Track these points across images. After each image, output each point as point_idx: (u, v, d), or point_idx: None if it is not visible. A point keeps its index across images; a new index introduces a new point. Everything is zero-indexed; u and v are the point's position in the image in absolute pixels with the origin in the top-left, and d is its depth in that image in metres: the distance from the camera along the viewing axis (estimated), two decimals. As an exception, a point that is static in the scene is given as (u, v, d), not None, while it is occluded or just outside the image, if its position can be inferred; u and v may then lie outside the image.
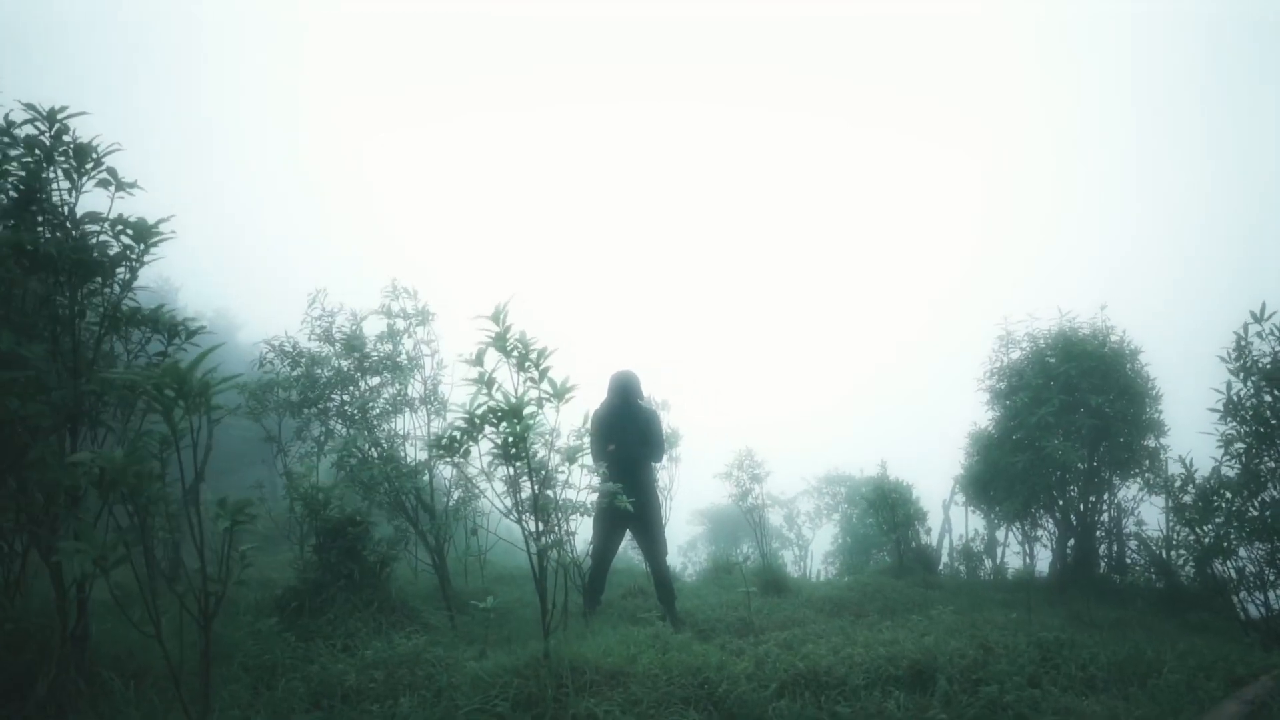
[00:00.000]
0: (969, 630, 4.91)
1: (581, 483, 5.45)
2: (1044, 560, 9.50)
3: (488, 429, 3.19)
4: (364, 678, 3.42)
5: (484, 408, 3.13)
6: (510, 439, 3.09)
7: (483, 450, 3.30)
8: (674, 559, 14.00)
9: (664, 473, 9.55)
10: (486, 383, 3.21)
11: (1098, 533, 8.46)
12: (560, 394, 3.24)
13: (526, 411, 3.11)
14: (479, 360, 3.21)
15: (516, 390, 3.25)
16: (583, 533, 6.48)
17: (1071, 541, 8.44)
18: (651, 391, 6.80)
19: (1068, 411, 7.91)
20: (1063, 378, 7.96)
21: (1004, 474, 8.43)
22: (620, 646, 3.74)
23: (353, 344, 6.68)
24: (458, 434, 3.19)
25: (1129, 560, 8.39)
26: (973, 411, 9.34)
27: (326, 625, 4.12)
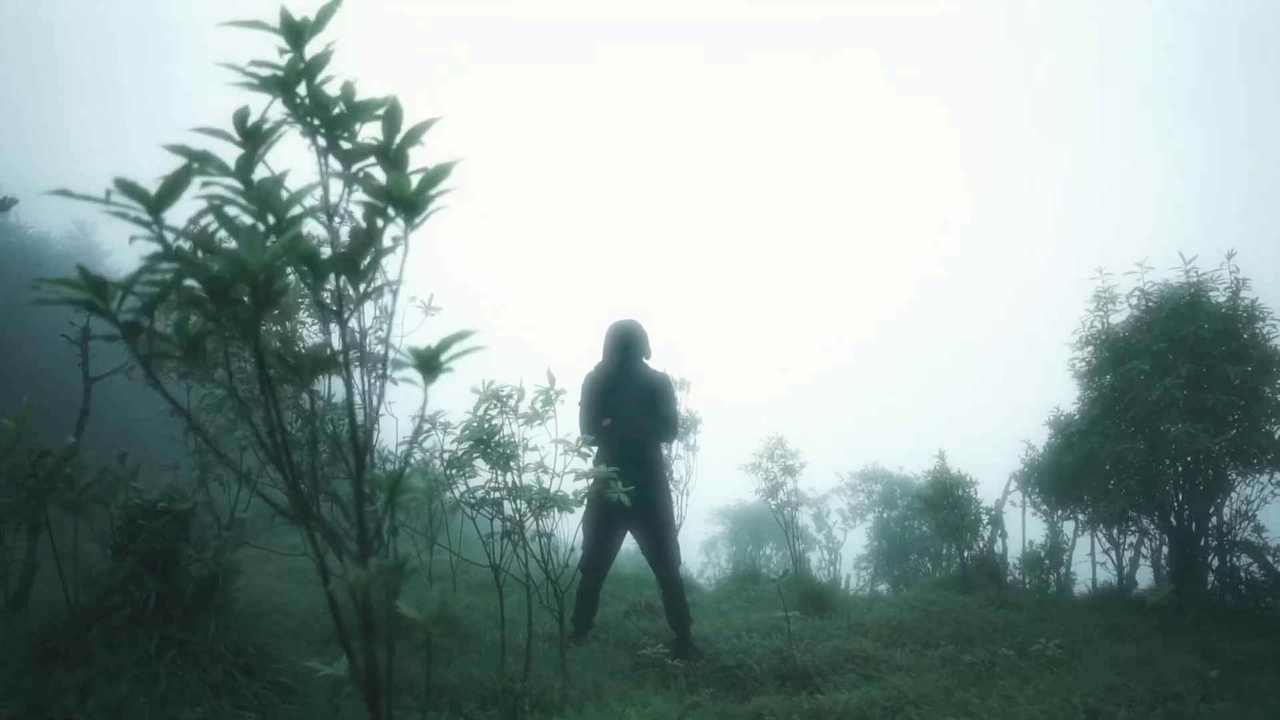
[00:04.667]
0: (1147, 695, 3.19)
1: (560, 466, 3.78)
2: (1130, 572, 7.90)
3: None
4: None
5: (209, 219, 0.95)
6: (258, 293, 0.87)
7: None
8: (694, 558, 12.24)
9: (679, 463, 7.85)
10: (240, 171, 0.99)
11: (1203, 541, 6.68)
12: (414, 199, 1.01)
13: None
14: (241, 126, 1.01)
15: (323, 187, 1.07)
16: (563, 532, 4.83)
17: (1170, 551, 6.68)
18: (667, 366, 5.12)
19: (1196, 385, 6.12)
20: (1190, 340, 6.13)
21: (1098, 467, 6.68)
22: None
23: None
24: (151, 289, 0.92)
25: (1245, 575, 6.67)
26: (1017, 401, 7.62)
27: (83, 687, 2.35)
